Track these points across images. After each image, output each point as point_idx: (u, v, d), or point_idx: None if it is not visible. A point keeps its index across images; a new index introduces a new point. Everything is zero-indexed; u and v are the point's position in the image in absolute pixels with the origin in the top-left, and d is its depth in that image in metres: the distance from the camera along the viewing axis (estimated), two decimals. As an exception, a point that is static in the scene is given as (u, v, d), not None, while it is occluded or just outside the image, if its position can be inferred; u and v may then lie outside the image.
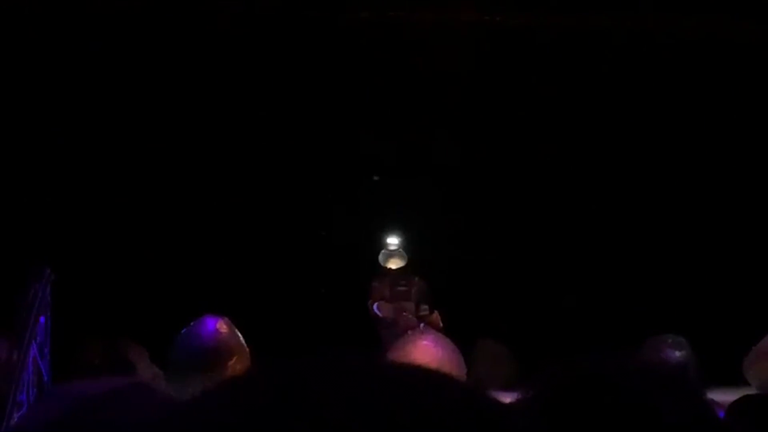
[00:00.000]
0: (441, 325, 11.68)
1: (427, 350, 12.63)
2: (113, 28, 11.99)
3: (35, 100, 11.87)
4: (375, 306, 11.66)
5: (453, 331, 11.62)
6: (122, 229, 11.95)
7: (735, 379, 10.81)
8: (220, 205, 12.24)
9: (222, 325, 10.13)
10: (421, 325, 11.55)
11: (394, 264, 11.97)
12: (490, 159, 12.73)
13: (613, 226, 12.65)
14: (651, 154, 12.79)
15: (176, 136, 12.19)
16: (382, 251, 12.02)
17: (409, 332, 11.37)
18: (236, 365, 10.06)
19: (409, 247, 12.06)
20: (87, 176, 11.93)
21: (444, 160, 12.51)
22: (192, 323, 10.21)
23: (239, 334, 10.26)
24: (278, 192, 12.51)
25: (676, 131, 12.79)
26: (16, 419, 8.06)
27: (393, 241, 12.11)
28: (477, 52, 12.58)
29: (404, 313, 11.70)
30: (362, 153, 12.77)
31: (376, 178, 12.92)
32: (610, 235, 12.60)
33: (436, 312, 11.69)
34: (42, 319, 9.12)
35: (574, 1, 12.54)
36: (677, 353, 11.55)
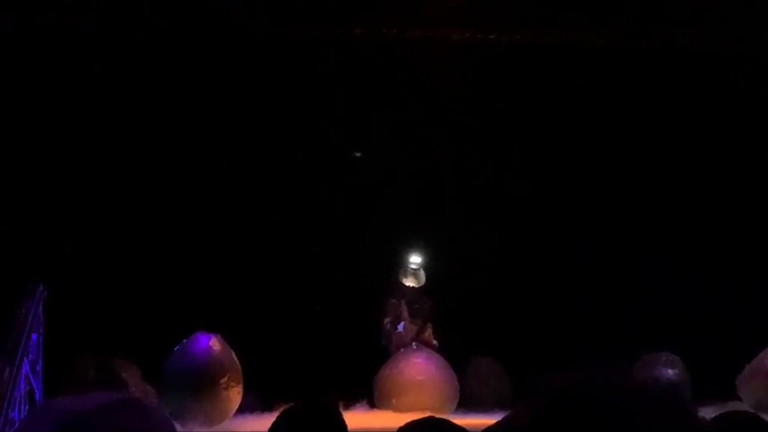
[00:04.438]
0: (434, 342, 11.66)
1: (419, 367, 12.59)
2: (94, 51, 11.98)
3: (29, 118, 11.86)
4: (400, 326, 11.59)
5: (447, 349, 11.67)
6: (115, 248, 11.92)
7: (728, 397, 10.81)
8: (213, 223, 12.22)
9: (215, 343, 10.16)
10: (414, 343, 11.54)
11: (413, 282, 11.92)
12: (482, 176, 12.72)
13: (608, 245, 12.64)
14: (643, 171, 12.80)
15: (171, 153, 12.16)
16: (402, 269, 11.95)
17: (402, 350, 11.45)
18: (229, 382, 10.07)
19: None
20: (80, 194, 11.90)
21: (436, 177, 12.49)
22: (185, 341, 10.23)
23: (232, 352, 10.27)
24: (272, 209, 12.49)
25: (669, 146, 12.80)
26: (8, 436, 8.03)
27: (416, 260, 12.10)
28: (470, 70, 12.59)
29: (398, 331, 11.68)
30: (355, 167, 12.78)
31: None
32: (606, 254, 12.59)
33: (429, 330, 11.67)
34: (34, 336, 9.11)
35: (565, 18, 12.57)
36: (671, 371, 11.59)
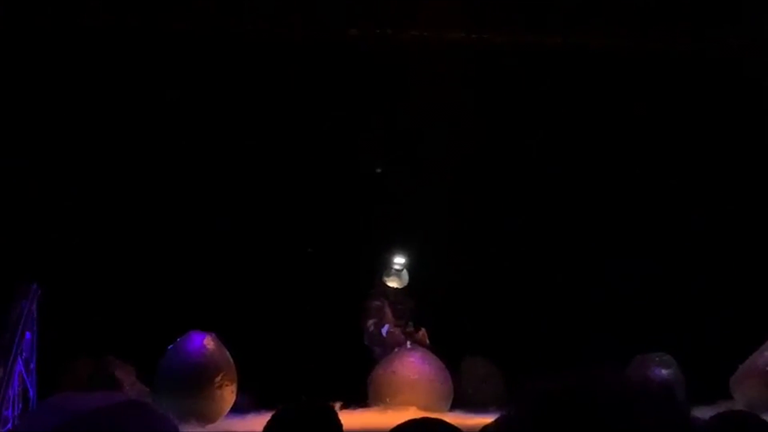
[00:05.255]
0: (428, 342, 11.66)
1: (414, 367, 12.58)
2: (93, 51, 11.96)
3: (24, 117, 11.85)
4: (385, 328, 11.57)
5: (442, 349, 11.66)
6: (110, 247, 11.90)
7: (721, 397, 10.83)
8: (207, 223, 12.21)
9: (209, 341, 10.15)
10: (408, 342, 11.55)
11: (397, 283, 11.90)
12: (476, 176, 12.73)
13: (601, 246, 12.65)
14: (638, 172, 12.81)
15: (166, 153, 12.15)
16: (386, 269, 11.92)
17: (397, 349, 11.45)
18: (223, 381, 10.07)
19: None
20: (76, 193, 11.89)
21: (429, 177, 12.49)
22: (179, 339, 10.22)
23: (226, 350, 10.27)
24: (266, 210, 12.49)
25: (666, 146, 12.81)
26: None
27: (399, 260, 12.19)
28: (466, 70, 12.59)
29: (391, 330, 11.67)
30: (352, 169, 12.77)
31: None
32: (599, 255, 12.60)
33: (423, 330, 11.67)
34: (28, 334, 9.10)
35: (558, 20, 12.59)
36: (664, 371, 11.60)
